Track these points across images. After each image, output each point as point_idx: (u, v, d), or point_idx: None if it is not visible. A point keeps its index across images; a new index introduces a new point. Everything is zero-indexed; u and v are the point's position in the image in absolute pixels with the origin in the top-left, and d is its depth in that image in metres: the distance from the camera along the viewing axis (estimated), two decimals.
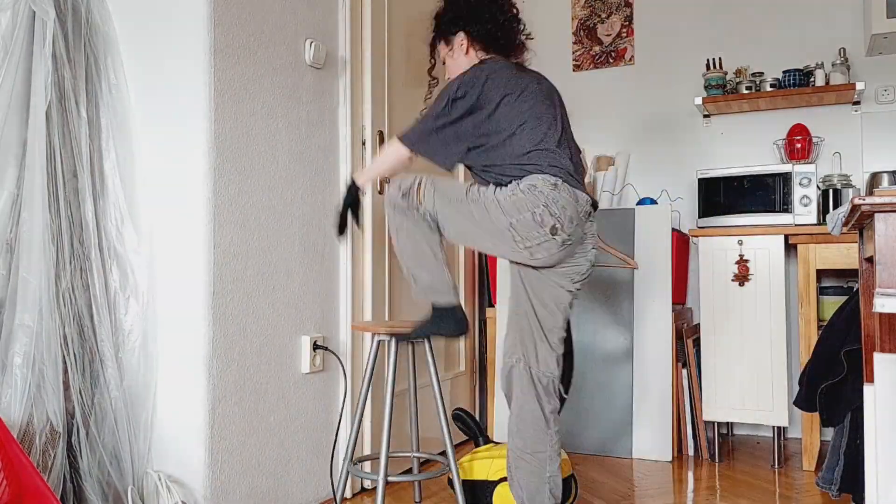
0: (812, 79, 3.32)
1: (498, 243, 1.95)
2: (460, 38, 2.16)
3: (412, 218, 1.98)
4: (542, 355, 1.99)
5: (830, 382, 2.07)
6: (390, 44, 2.83)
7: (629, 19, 3.86)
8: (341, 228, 2.17)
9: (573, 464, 2.99)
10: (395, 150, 2.03)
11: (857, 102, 3.40)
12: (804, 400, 2.20)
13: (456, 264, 3.35)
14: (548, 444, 1.98)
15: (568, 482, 2.38)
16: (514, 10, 2.20)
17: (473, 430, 2.52)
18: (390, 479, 2.12)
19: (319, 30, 2.52)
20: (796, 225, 3.00)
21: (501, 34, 2.15)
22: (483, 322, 3.64)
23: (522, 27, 2.21)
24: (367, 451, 2.63)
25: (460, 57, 2.16)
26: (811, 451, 2.89)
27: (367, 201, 2.67)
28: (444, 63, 2.24)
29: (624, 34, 3.87)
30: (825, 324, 2.22)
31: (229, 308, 2.11)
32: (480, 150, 2.00)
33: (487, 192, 1.95)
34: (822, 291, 3.06)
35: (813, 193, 3.00)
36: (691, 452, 3.15)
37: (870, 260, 1.73)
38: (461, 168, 3.10)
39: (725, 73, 3.50)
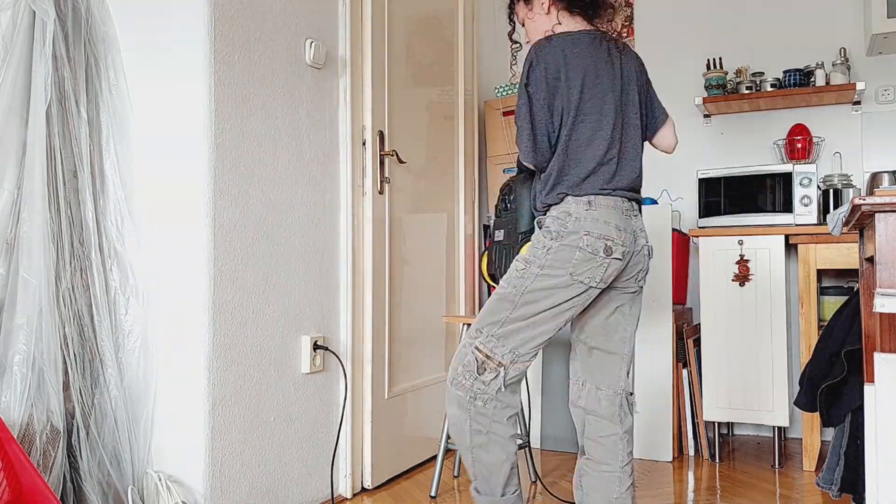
0: (812, 79, 3.32)
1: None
2: None
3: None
4: None
5: (831, 382, 2.07)
6: (390, 44, 2.83)
7: (629, 19, 3.86)
8: None
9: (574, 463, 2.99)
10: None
11: (858, 102, 3.40)
12: (804, 400, 2.20)
13: (456, 267, 3.34)
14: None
15: None
16: None
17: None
18: None
19: (319, 30, 2.52)
20: (797, 225, 3.00)
21: None
22: None
23: None
24: (367, 451, 2.63)
25: (540, 17, 1.94)
26: (811, 451, 2.89)
27: (367, 201, 2.67)
28: (522, 25, 2.01)
29: (624, 34, 3.87)
30: (825, 324, 2.22)
31: (229, 308, 2.11)
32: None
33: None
34: (822, 291, 3.05)
35: (813, 193, 3.00)
36: (692, 452, 3.14)
37: (870, 260, 1.73)
38: None
39: (725, 73, 3.49)
